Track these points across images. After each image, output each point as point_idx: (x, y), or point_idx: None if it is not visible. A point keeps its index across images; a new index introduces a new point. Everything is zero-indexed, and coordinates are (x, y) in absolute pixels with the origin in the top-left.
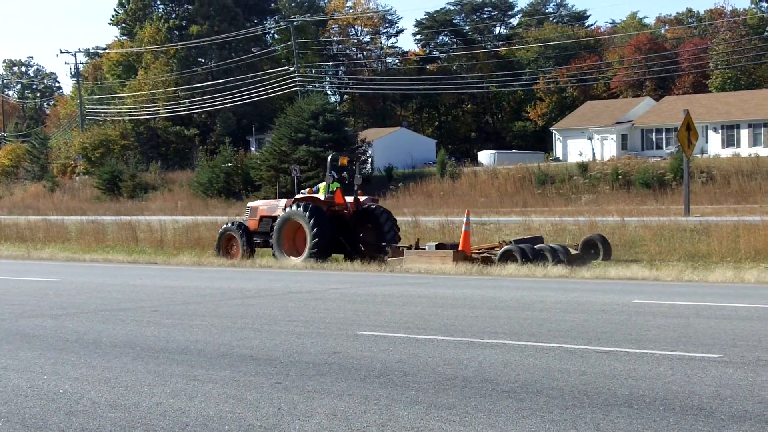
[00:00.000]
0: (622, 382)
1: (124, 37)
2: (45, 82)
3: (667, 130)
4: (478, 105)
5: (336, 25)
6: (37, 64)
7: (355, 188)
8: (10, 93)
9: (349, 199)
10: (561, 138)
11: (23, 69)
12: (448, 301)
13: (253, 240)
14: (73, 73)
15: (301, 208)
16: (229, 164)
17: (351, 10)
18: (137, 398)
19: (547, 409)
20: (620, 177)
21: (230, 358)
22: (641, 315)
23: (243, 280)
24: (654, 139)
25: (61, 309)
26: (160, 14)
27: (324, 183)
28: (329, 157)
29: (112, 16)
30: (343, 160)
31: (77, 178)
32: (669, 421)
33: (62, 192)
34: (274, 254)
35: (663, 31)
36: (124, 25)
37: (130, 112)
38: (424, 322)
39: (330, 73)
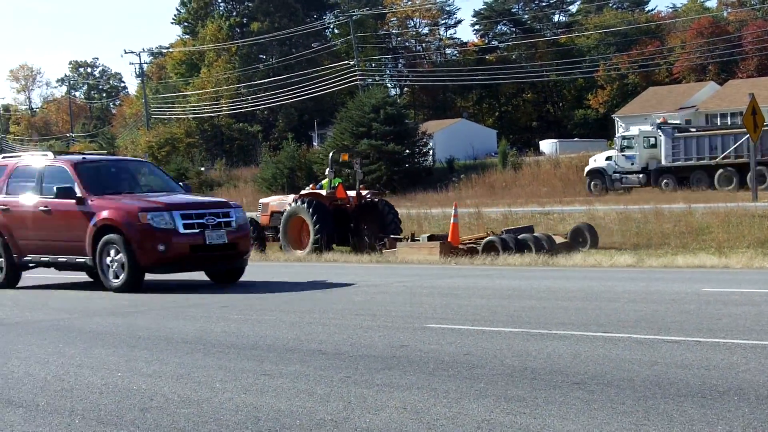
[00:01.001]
0: (695, 372)
1: (187, 36)
2: (110, 82)
3: (732, 115)
4: (539, 94)
5: (394, 18)
6: (103, 65)
7: (357, 183)
8: (77, 94)
9: (352, 193)
10: (623, 125)
11: (89, 70)
12: (514, 293)
13: (264, 234)
14: (137, 72)
15: (305, 204)
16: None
17: (409, 3)
18: (209, 394)
19: (619, 400)
20: None
21: (299, 353)
22: (712, 304)
23: (310, 275)
24: (719, 124)
25: (132, 307)
26: (221, 12)
27: (327, 179)
28: (330, 155)
29: (175, 15)
30: (344, 157)
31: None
32: (744, 411)
33: None
34: (281, 247)
35: (725, 14)
36: (186, 24)
37: (194, 110)
38: (491, 313)
39: (389, 66)
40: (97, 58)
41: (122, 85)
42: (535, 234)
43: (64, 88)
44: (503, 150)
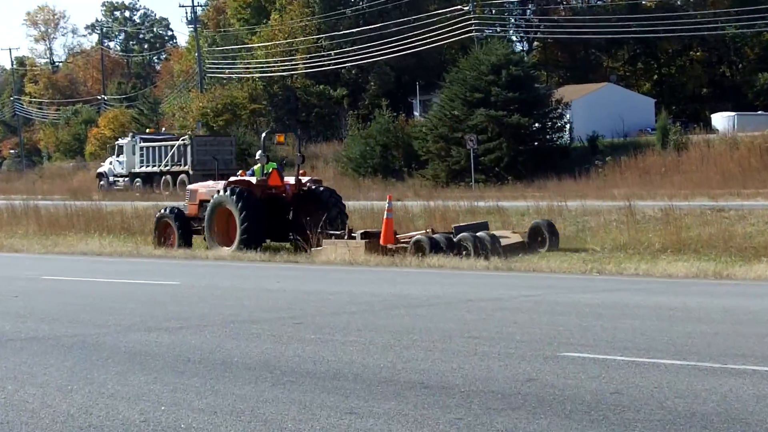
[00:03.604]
0: None
1: None
2: (155, 30)
3: None
4: (711, 52)
5: None
6: (145, 8)
7: (297, 168)
8: (112, 45)
9: (291, 180)
10: None
11: (127, 14)
12: (677, 314)
13: (191, 227)
14: (189, 18)
15: (231, 194)
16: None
17: None
18: None
19: None
20: None
21: (395, 385)
22: None
23: (406, 283)
24: None
25: (181, 320)
26: None
27: (258, 165)
28: (262, 135)
29: None
30: (280, 138)
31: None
32: None
33: None
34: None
35: None
36: None
37: (262, 67)
38: (647, 340)
39: (515, 13)
40: (138, 0)
41: (170, 34)
42: (480, 233)
43: (95, 38)
44: (663, 125)
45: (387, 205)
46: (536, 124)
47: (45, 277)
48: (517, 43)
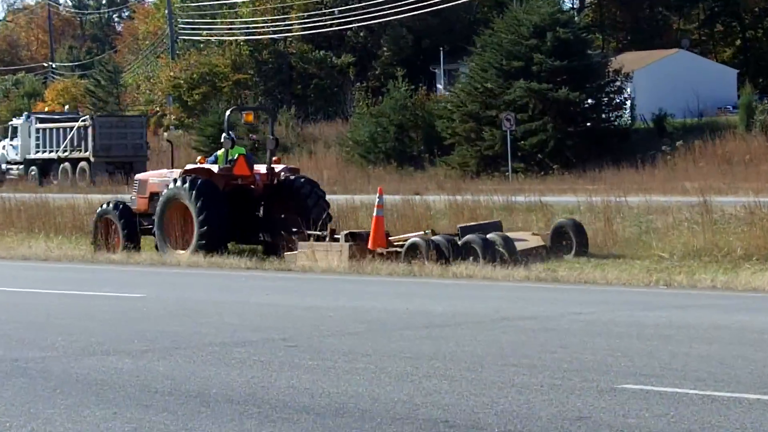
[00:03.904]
0: None
1: None
2: None
3: None
4: None
5: None
6: None
7: (270, 155)
8: (62, 0)
9: (262, 169)
10: None
11: None
12: (765, 337)
13: (139, 226)
14: None
15: (186, 185)
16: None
17: None
18: None
19: None
20: None
21: (412, 424)
22: None
23: (426, 297)
24: None
25: (147, 342)
26: None
27: (222, 150)
28: (227, 113)
29: None
30: (248, 117)
31: (165, 134)
32: None
33: None
34: (156, 245)
35: None
36: None
37: (247, 28)
38: (726, 370)
39: None
40: None
41: None
42: (492, 235)
43: None
44: (747, 102)
45: (377, 200)
46: (589, 100)
47: None
48: (566, 1)
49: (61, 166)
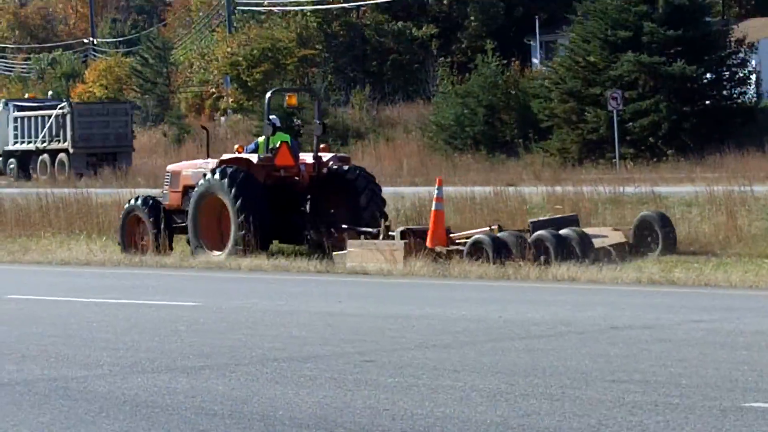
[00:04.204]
0: None
1: None
2: None
3: None
4: None
5: None
6: None
7: (316, 142)
8: None
9: (308, 158)
10: None
11: None
12: None
13: (172, 222)
14: None
15: (221, 176)
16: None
17: None
18: None
19: None
20: None
21: None
22: None
23: (522, 303)
24: None
25: (203, 357)
26: None
27: (263, 137)
28: (267, 95)
29: None
30: (291, 100)
31: (222, 118)
32: None
33: (197, 144)
34: (188, 243)
35: None
36: None
37: None
38: None
39: None
40: None
41: None
42: (567, 230)
43: None
44: None
45: (435, 191)
46: (708, 75)
47: (10, 296)
48: None
49: (40, 158)
